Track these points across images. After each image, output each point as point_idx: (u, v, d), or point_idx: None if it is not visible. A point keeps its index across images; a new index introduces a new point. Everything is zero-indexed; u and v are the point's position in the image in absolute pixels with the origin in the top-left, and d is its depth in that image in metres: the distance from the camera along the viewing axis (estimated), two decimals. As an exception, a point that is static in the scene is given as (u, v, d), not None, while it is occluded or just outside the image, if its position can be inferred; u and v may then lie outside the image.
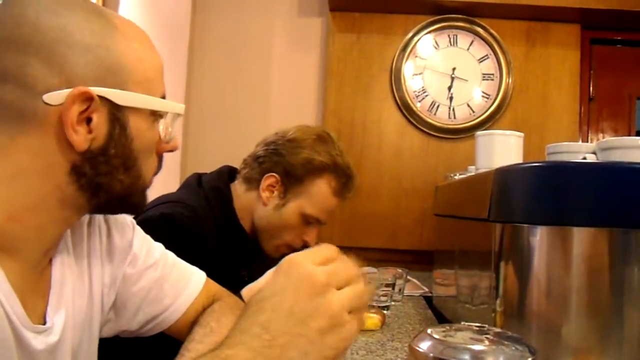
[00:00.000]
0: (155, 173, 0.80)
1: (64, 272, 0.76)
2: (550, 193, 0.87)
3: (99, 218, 0.86)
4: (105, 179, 0.70)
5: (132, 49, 0.70)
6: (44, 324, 0.70)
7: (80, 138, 0.66)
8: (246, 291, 1.23)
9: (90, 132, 0.67)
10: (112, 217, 0.90)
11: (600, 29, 2.42)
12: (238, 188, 1.49)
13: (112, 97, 0.67)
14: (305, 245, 1.48)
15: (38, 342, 0.68)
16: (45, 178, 0.67)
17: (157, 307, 0.91)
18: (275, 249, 1.47)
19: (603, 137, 2.45)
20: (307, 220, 1.46)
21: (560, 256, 0.86)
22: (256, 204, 1.46)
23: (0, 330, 0.62)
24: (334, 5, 2.36)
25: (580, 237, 0.85)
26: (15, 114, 0.65)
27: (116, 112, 0.68)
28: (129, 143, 0.71)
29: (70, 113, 0.65)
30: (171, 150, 0.81)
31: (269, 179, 1.44)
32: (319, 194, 1.44)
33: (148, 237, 0.95)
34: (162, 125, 0.76)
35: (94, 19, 0.69)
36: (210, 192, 1.44)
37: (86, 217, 0.83)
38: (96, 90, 0.66)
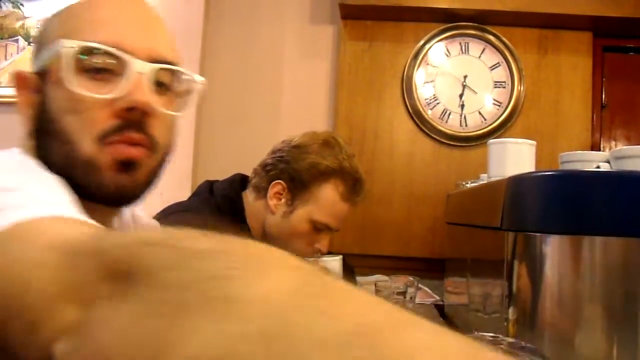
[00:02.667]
0: (105, 135, 0.66)
1: None
2: (564, 202, 0.87)
3: (127, 219, 0.85)
4: (43, 151, 0.68)
5: (60, 15, 0.71)
6: None
7: (25, 117, 0.70)
8: None
9: (31, 108, 0.70)
10: (138, 218, 0.89)
11: (612, 36, 2.40)
12: (249, 197, 1.50)
13: (35, 67, 0.69)
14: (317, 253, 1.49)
15: None
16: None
17: None
18: None
19: (615, 145, 2.43)
20: (316, 227, 1.44)
21: (573, 265, 0.86)
22: (265, 212, 1.46)
23: None
24: (345, 13, 2.37)
25: (594, 246, 0.85)
26: None
27: (42, 82, 0.68)
28: (45, 107, 0.67)
29: (19, 97, 0.71)
30: (135, 109, 0.66)
31: (276, 187, 1.44)
32: (326, 199, 1.43)
33: None
34: (75, 75, 0.65)
35: (54, 13, 0.74)
36: (221, 200, 1.45)
37: (116, 218, 0.81)
38: (33, 69, 0.70)
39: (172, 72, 0.74)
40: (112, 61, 0.66)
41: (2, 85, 2.46)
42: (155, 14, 0.75)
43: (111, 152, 0.66)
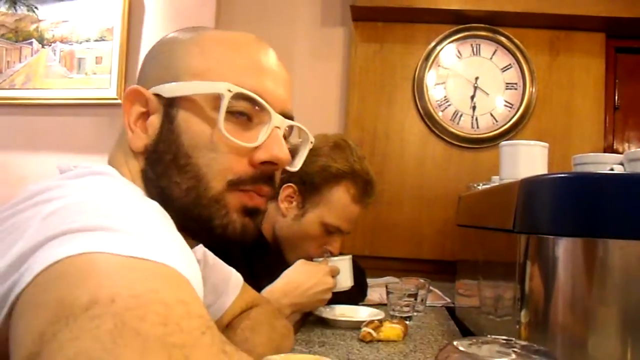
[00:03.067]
0: (240, 181, 0.67)
1: None
2: (577, 204, 0.87)
3: (200, 254, 0.88)
4: (164, 181, 0.66)
5: (200, 46, 0.69)
6: None
7: (135, 136, 0.67)
8: (267, 292, 1.25)
9: (145, 131, 0.67)
10: (207, 254, 0.92)
11: (625, 37, 2.39)
12: None
13: (162, 92, 0.67)
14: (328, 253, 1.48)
15: None
16: (136, 181, 0.68)
17: None
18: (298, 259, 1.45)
19: (629, 147, 2.42)
20: (328, 229, 1.44)
21: (586, 268, 0.85)
22: (276, 215, 1.46)
23: None
24: (356, 15, 2.37)
25: (607, 249, 0.84)
26: None
27: (169, 107, 0.67)
28: (176, 137, 0.66)
29: (128, 113, 0.68)
30: (272, 163, 0.69)
31: (287, 190, 1.44)
32: (337, 202, 1.43)
33: None
34: (225, 119, 0.65)
35: (177, 34, 0.73)
36: None
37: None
38: (152, 90, 0.67)
39: (295, 127, 0.77)
40: (257, 111, 0.68)
41: (17, 87, 2.49)
42: (284, 66, 0.77)
43: (239, 197, 0.68)
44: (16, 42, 2.52)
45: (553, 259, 0.88)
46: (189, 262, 0.53)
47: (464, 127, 2.34)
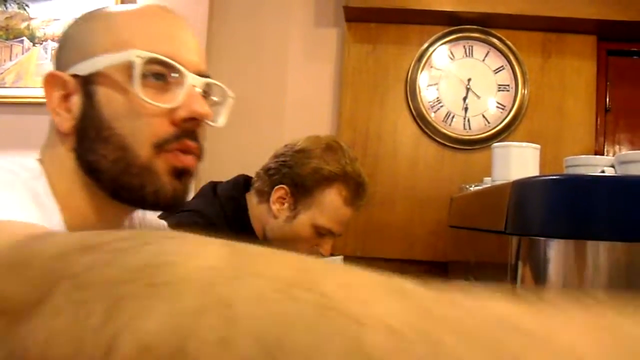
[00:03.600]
0: (165, 142, 0.69)
1: None
2: (569, 206, 0.87)
3: (138, 219, 0.88)
4: (92, 156, 0.69)
5: (107, 22, 0.72)
6: None
7: (61, 119, 0.70)
8: None
9: (69, 111, 0.70)
10: (147, 220, 0.91)
11: (616, 40, 2.40)
12: (252, 199, 1.50)
13: (77, 71, 0.70)
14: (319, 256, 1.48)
15: None
16: (64, 166, 0.71)
17: None
18: None
19: (620, 149, 2.43)
20: (319, 231, 1.45)
21: (577, 270, 0.86)
22: (267, 216, 1.46)
23: None
24: (349, 16, 2.37)
25: (598, 251, 0.84)
26: None
27: (86, 85, 0.69)
28: (96, 111, 0.68)
29: (50, 98, 0.70)
30: (194, 119, 0.71)
31: (279, 191, 1.44)
32: (329, 204, 1.43)
33: None
34: (141, 85, 0.67)
35: (84, 16, 0.75)
36: (225, 201, 1.46)
37: (126, 222, 0.85)
38: (68, 71, 0.70)
39: (213, 85, 0.79)
40: (172, 73, 0.70)
41: (7, 85, 2.47)
42: (193, 32, 0.79)
43: (168, 159, 0.69)
44: (7, 40, 2.50)
45: (544, 261, 0.88)
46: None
47: (456, 128, 2.34)
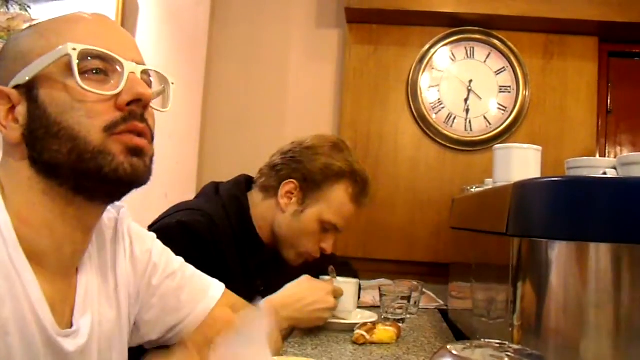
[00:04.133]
0: (114, 125, 0.70)
1: (89, 278, 0.79)
2: (570, 208, 0.87)
3: (122, 230, 0.88)
4: (46, 155, 0.70)
5: (38, 31, 0.74)
6: (71, 327, 0.73)
7: (9, 131, 0.71)
8: (266, 302, 1.24)
9: (16, 122, 0.71)
10: (134, 229, 0.91)
11: (618, 41, 2.40)
12: (255, 197, 1.50)
13: (18, 81, 0.71)
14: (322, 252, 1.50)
15: (69, 344, 0.71)
16: (20, 176, 0.71)
17: (175, 317, 0.92)
18: (297, 256, 1.47)
19: (621, 151, 2.43)
20: (324, 226, 1.46)
21: (578, 271, 0.86)
22: (275, 211, 1.47)
23: (29, 336, 0.66)
24: (351, 17, 2.37)
25: (600, 253, 0.84)
26: None
27: (29, 92, 0.70)
28: (42, 112, 0.69)
29: None
30: (138, 101, 0.73)
31: (288, 186, 1.45)
32: (337, 199, 1.45)
33: (167, 248, 0.96)
34: (80, 74, 0.69)
35: (20, 34, 0.77)
36: (227, 200, 1.46)
37: (109, 229, 0.86)
38: (10, 84, 0.71)
39: (153, 73, 0.81)
40: (109, 64, 0.72)
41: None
42: (126, 31, 0.82)
43: (120, 140, 0.71)
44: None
45: (546, 262, 0.88)
46: None
47: (457, 129, 2.34)
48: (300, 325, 1.34)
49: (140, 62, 0.76)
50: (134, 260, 0.88)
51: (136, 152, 0.72)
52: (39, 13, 2.49)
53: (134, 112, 0.73)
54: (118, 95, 0.71)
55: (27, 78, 0.70)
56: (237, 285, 1.25)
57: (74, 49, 0.68)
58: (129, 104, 0.72)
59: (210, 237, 1.32)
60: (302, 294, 1.33)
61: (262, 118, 2.49)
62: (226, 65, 2.54)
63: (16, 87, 0.71)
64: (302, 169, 1.45)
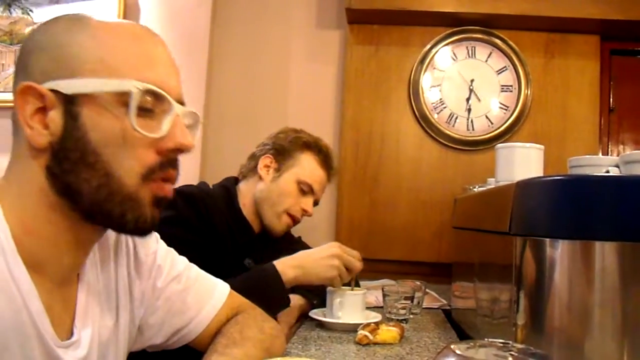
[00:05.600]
0: (151, 172, 0.70)
1: (90, 288, 0.78)
2: (573, 207, 0.87)
3: (110, 243, 0.86)
4: (71, 178, 0.67)
5: (94, 38, 0.69)
6: (70, 338, 0.72)
7: (35, 133, 0.67)
8: (278, 263, 1.36)
9: (46, 127, 0.67)
10: (134, 245, 0.91)
11: (619, 39, 2.40)
12: (241, 187, 1.74)
13: (60, 88, 0.67)
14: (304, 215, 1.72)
15: (68, 356, 0.69)
16: (32, 184, 0.68)
17: (180, 320, 0.92)
18: (277, 217, 1.67)
19: (623, 149, 2.42)
20: (302, 188, 1.69)
21: (582, 270, 0.85)
22: (256, 184, 1.70)
23: (29, 350, 0.64)
24: (352, 17, 2.37)
25: (603, 252, 0.84)
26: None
27: (69, 103, 0.67)
28: (82, 135, 0.66)
29: (23, 110, 0.67)
30: (179, 150, 0.72)
31: (265, 160, 1.71)
32: (307, 163, 1.71)
33: (172, 250, 0.96)
34: (135, 115, 0.67)
35: (62, 23, 0.71)
36: (217, 187, 1.71)
37: (112, 235, 0.84)
38: (47, 85, 0.67)
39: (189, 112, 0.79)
40: (159, 104, 0.70)
41: (11, 90, 2.48)
42: (172, 56, 0.78)
43: (152, 189, 0.70)
44: (11, 44, 2.51)
45: (549, 262, 0.88)
46: None
47: (459, 129, 2.34)
48: (308, 277, 1.40)
49: (183, 101, 0.75)
50: (138, 264, 0.88)
51: (161, 203, 0.72)
52: (41, 17, 2.49)
53: (172, 159, 0.72)
54: (161, 138, 0.70)
55: (73, 92, 0.66)
56: (227, 260, 1.39)
57: (137, 88, 0.66)
58: (169, 150, 0.71)
59: (203, 206, 1.50)
60: (309, 252, 1.46)
61: (263, 119, 2.49)
62: (228, 66, 2.54)
63: (53, 90, 0.67)
64: (275, 145, 1.73)
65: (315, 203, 1.76)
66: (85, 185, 0.67)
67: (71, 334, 0.73)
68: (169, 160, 0.72)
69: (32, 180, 0.68)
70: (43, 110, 0.68)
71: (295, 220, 1.71)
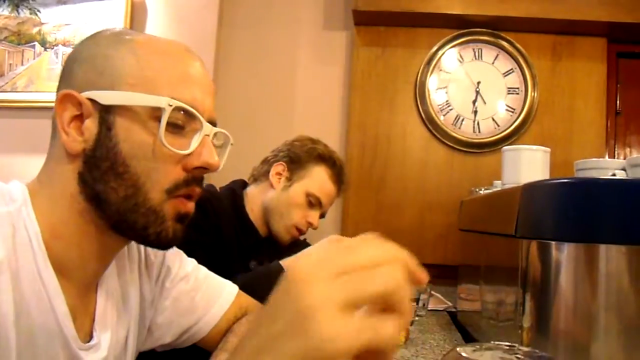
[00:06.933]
0: (176, 187, 0.72)
1: (108, 295, 0.80)
2: (579, 210, 0.87)
3: (134, 253, 0.88)
4: (100, 186, 0.69)
5: (135, 54, 0.71)
6: (90, 340, 0.73)
7: (70, 139, 0.70)
8: (287, 262, 1.36)
9: (81, 134, 0.70)
10: (158, 254, 0.92)
11: (627, 42, 2.39)
12: (249, 191, 1.73)
13: (98, 98, 0.69)
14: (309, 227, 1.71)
15: (89, 358, 0.72)
16: (64, 188, 0.70)
17: (189, 319, 0.93)
18: (285, 229, 1.66)
19: (630, 152, 2.41)
20: (310, 200, 1.67)
21: (588, 273, 0.85)
22: (266, 191, 1.70)
23: (52, 349, 0.66)
24: (358, 19, 2.37)
25: (609, 255, 0.84)
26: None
27: (105, 113, 0.69)
28: (114, 145, 0.69)
29: (62, 116, 0.70)
30: (205, 169, 0.74)
31: (277, 167, 1.70)
32: (318, 176, 1.69)
33: (180, 250, 0.97)
34: (165, 131, 0.69)
35: (108, 37, 0.74)
36: (225, 190, 1.71)
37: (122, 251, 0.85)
38: (86, 94, 0.69)
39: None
40: (190, 121, 0.72)
41: (19, 90, 2.49)
42: (209, 76, 0.80)
43: (175, 204, 0.72)
44: (18, 44, 2.52)
45: (555, 264, 0.88)
46: None
47: (465, 131, 2.34)
48: None
49: (214, 121, 0.77)
50: (149, 266, 0.89)
51: (183, 219, 0.74)
52: (49, 17, 2.51)
53: (197, 177, 0.74)
54: (188, 155, 0.72)
55: (111, 102, 0.69)
56: (233, 262, 1.38)
57: (170, 105, 0.68)
58: (195, 167, 0.73)
59: (211, 208, 1.51)
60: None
61: (270, 120, 2.49)
62: (234, 67, 2.55)
63: (90, 99, 0.69)
64: (290, 153, 1.72)
65: (322, 216, 1.76)
66: (113, 194, 0.69)
67: (90, 337, 0.75)
68: (194, 178, 0.74)
69: (65, 185, 0.70)
70: (80, 117, 0.70)
71: (301, 232, 1.72)
